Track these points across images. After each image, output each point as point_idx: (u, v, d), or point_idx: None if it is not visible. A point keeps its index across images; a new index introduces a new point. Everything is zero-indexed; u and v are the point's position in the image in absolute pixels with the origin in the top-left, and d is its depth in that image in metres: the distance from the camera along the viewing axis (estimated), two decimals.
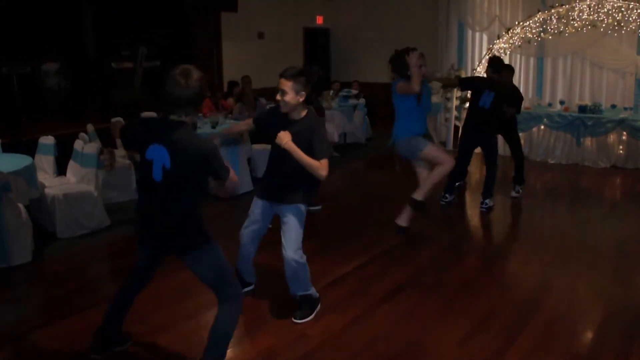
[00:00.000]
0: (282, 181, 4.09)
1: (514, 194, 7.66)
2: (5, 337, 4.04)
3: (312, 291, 4.32)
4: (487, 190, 7.09)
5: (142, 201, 3.38)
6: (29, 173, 5.56)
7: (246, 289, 4.60)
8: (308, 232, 6.23)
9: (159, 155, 3.11)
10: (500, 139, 7.71)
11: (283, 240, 4.10)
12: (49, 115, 9.50)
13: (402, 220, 6.01)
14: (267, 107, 5.37)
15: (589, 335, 4.07)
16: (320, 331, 4.07)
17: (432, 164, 5.85)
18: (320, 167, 3.87)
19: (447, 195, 7.30)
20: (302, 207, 4.14)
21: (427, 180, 5.89)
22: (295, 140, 3.88)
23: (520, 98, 7.45)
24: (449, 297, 4.66)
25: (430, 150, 5.67)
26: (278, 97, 3.91)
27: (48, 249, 5.79)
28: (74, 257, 5.61)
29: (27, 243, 5.37)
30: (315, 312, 4.32)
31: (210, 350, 3.39)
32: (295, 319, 4.23)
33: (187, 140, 3.09)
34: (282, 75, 3.88)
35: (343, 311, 4.37)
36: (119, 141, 3.51)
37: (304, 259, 4.12)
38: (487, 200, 7.06)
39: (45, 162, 6.72)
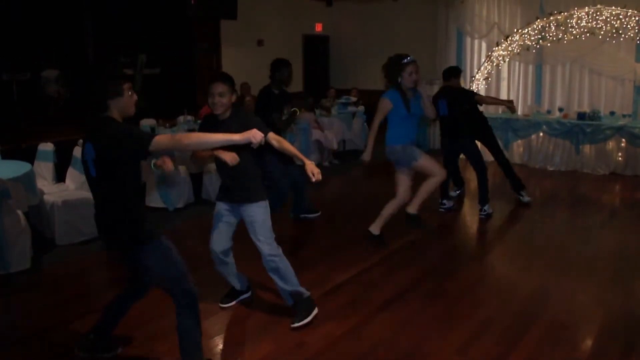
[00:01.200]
0: (238, 182, 4.16)
1: (523, 199, 7.68)
2: (3, 343, 4.03)
3: (302, 289, 4.32)
4: (483, 197, 7.10)
5: (94, 203, 3.45)
6: (28, 180, 5.56)
7: (242, 297, 4.62)
8: (306, 239, 6.26)
9: (89, 154, 3.23)
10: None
11: (253, 237, 4.17)
12: (48, 122, 9.50)
13: (375, 228, 5.98)
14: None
15: (589, 342, 4.06)
16: (319, 339, 4.06)
17: (422, 174, 5.83)
18: (273, 138, 3.89)
19: (444, 202, 7.31)
20: (264, 203, 4.20)
21: (418, 194, 5.90)
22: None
23: (469, 93, 7.39)
24: (449, 304, 4.65)
25: (423, 161, 5.66)
26: (216, 99, 3.98)
27: (47, 255, 5.78)
28: (73, 264, 5.61)
29: (25, 250, 5.36)
30: (312, 315, 4.30)
31: (185, 352, 3.44)
32: (292, 324, 4.22)
33: (106, 130, 3.19)
34: (215, 80, 4.01)
35: (342, 319, 4.36)
36: None
37: (279, 250, 4.19)
38: (485, 207, 7.06)
39: (44, 169, 6.72)
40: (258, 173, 4.24)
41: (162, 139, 3.13)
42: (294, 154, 3.98)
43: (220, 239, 4.28)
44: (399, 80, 5.50)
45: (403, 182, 5.80)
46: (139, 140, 3.12)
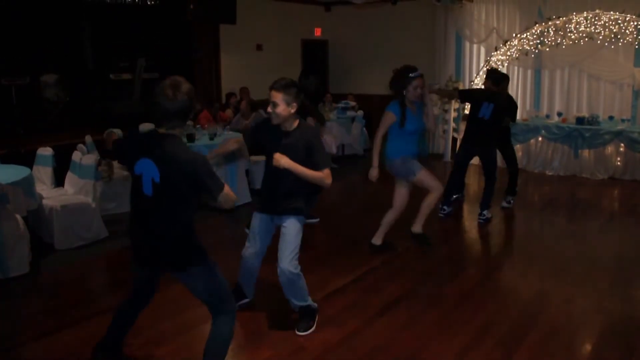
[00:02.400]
0: (280, 194, 4.09)
1: (504, 204, 7.72)
2: (1, 348, 4.02)
3: (311, 302, 4.30)
4: (486, 202, 7.11)
5: (133, 218, 3.31)
6: (27, 184, 5.56)
7: (242, 302, 4.58)
8: (306, 244, 6.23)
9: (147, 170, 3.08)
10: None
11: (279, 250, 4.11)
12: (47, 127, 9.50)
13: (377, 239, 5.99)
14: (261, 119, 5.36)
15: (588, 347, 4.06)
16: (318, 344, 4.05)
17: (420, 187, 5.84)
18: (324, 176, 3.94)
19: (445, 207, 7.31)
20: (302, 218, 4.16)
21: (421, 213, 5.96)
22: (290, 151, 3.90)
23: (515, 107, 7.48)
24: (448, 309, 4.65)
25: (422, 175, 5.66)
26: (269, 109, 3.92)
27: (46, 260, 5.77)
28: (72, 268, 5.60)
29: (24, 254, 5.36)
30: (316, 321, 4.31)
31: None
32: (298, 331, 4.21)
33: (175, 153, 3.04)
34: (272, 87, 3.90)
35: (341, 323, 4.36)
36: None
37: (298, 269, 4.10)
38: (484, 212, 7.07)
39: (43, 174, 6.72)
40: (304, 187, 4.09)
41: (228, 192, 3.14)
42: (301, 170, 3.95)
43: (255, 249, 4.27)
44: (404, 93, 5.47)
45: (401, 193, 5.81)
46: (213, 187, 3.08)
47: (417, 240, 6.08)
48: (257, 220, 4.27)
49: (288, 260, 4.04)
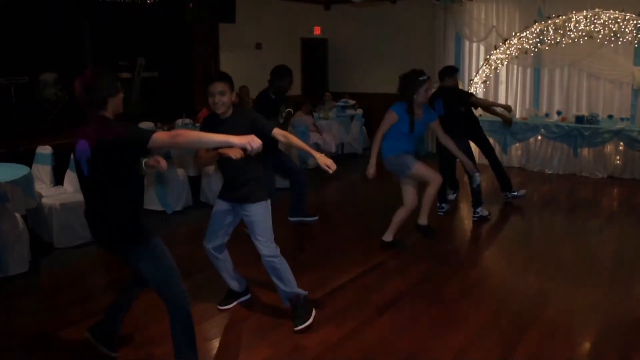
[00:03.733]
0: (239, 181, 4.17)
1: (517, 194, 7.77)
2: (1, 347, 4.02)
3: (299, 290, 4.32)
4: (476, 200, 7.13)
5: (85, 202, 3.42)
6: (26, 183, 5.56)
7: (242, 299, 4.62)
8: (305, 243, 6.26)
9: (83, 151, 3.20)
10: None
11: (253, 238, 4.20)
12: (46, 126, 9.49)
13: (388, 236, 6.00)
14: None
15: (587, 346, 4.07)
16: (317, 342, 4.05)
17: (420, 182, 5.86)
18: (278, 133, 4.01)
19: (443, 205, 7.32)
20: (264, 203, 4.21)
21: (423, 204, 5.98)
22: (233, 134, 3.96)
23: (464, 94, 7.40)
24: (447, 307, 4.65)
25: (418, 168, 5.68)
26: (216, 99, 4.01)
27: (45, 259, 5.78)
28: (71, 267, 5.61)
29: (23, 253, 5.36)
30: (312, 316, 4.29)
31: (178, 355, 3.46)
32: (295, 327, 4.21)
33: (104, 128, 3.17)
34: (216, 79, 4.04)
35: (340, 322, 4.36)
36: None
37: (277, 250, 4.22)
38: (478, 210, 7.10)
39: (42, 172, 6.71)
40: (260, 172, 4.25)
41: (161, 135, 3.11)
42: (302, 147, 4.03)
43: (214, 236, 4.33)
44: (415, 96, 5.55)
45: (408, 190, 5.84)
46: (138, 137, 3.11)
47: (423, 232, 6.17)
48: (218, 206, 4.34)
49: (266, 246, 4.17)
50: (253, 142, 3.23)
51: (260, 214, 4.18)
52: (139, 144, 3.10)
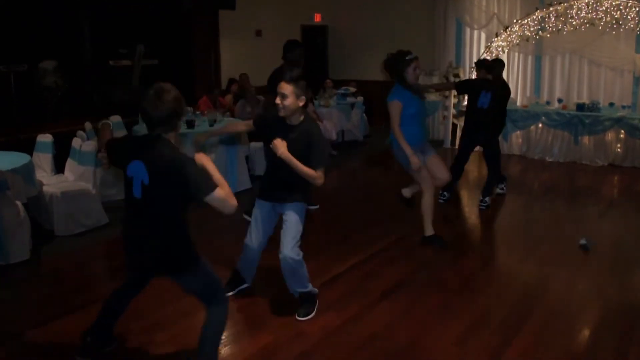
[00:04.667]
0: (282, 181, 4.10)
1: (498, 191, 7.74)
2: (2, 335, 4.03)
3: (311, 288, 4.33)
4: (488, 189, 7.15)
5: (126, 222, 3.31)
6: (27, 171, 5.56)
7: (242, 287, 4.60)
8: (306, 231, 6.24)
9: (137, 172, 3.07)
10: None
11: (282, 237, 4.12)
12: (46, 114, 9.48)
13: (428, 230, 5.81)
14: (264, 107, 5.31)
15: (587, 333, 4.08)
16: (318, 329, 4.07)
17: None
18: (317, 176, 3.95)
19: (445, 192, 7.31)
20: (303, 205, 4.18)
21: (425, 214, 5.73)
22: (292, 145, 3.90)
23: (509, 93, 7.37)
24: (447, 295, 4.67)
25: (419, 170, 5.62)
26: (278, 100, 3.91)
27: (46, 247, 5.79)
28: (72, 255, 5.61)
29: (25, 241, 5.37)
30: (316, 308, 4.33)
31: (201, 357, 3.39)
32: (298, 316, 4.24)
33: (163, 154, 3.04)
34: (282, 79, 3.90)
35: (341, 309, 4.38)
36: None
37: (300, 256, 4.12)
38: (486, 199, 7.09)
39: (43, 160, 6.71)
40: (308, 181, 4.08)
41: (221, 194, 3.02)
42: (296, 164, 3.94)
43: (258, 236, 4.27)
44: (405, 75, 5.42)
45: (420, 175, 5.63)
46: (199, 186, 3.00)
47: (431, 242, 5.78)
48: (259, 208, 4.28)
49: (290, 247, 4.06)
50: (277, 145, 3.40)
51: (297, 216, 4.12)
52: (198, 194, 3.01)
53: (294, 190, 4.11)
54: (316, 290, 4.38)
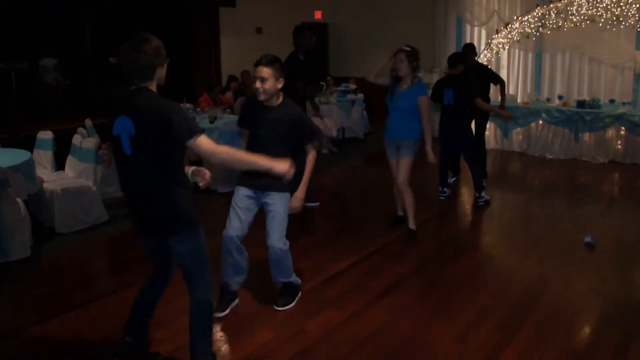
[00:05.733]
0: None
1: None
2: (3, 332, 4.04)
3: (294, 278, 4.35)
4: (477, 184, 7.14)
5: (122, 185, 3.22)
6: (27, 168, 5.56)
7: (233, 304, 4.32)
8: (306, 228, 6.26)
9: (123, 127, 3.00)
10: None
11: (268, 227, 4.10)
12: (47, 111, 9.47)
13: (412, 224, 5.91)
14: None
15: (587, 330, 4.08)
16: (319, 326, 4.07)
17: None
18: (313, 158, 4.09)
19: (445, 189, 7.31)
20: (287, 196, 4.13)
21: (408, 209, 5.81)
22: (271, 127, 3.95)
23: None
24: (448, 292, 4.67)
25: (391, 165, 5.79)
26: (257, 84, 3.90)
27: (47, 244, 5.79)
28: (73, 252, 5.62)
29: (25, 238, 5.37)
30: (296, 299, 4.35)
31: (194, 347, 3.32)
32: (277, 306, 4.27)
33: (147, 102, 2.99)
34: (259, 63, 3.88)
35: (342, 306, 4.38)
36: None
37: (287, 246, 4.13)
38: (482, 194, 7.10)
39: (43, 157, 6.72)
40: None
41: (205, 142, 2.99)
42: (305, 179, 4.07)
43: (239, 226, 4.08)
44: (392, 73, 5.64)
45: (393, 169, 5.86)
46: (184, 130, 2.93)
47: (408, 235, 5.84)
48: (239, 195, 4.14)
49: (278, 237, 4.07)
50: (289, 174, 3.24)
51: (282, 205, 4.09)
52: (181, 137, 2.94)
53: (281, 180, 4.00)
54: (299, 281, 4.40)
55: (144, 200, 3.13)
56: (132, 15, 10.49)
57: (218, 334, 3.99)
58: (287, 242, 4.15)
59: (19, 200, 5.37)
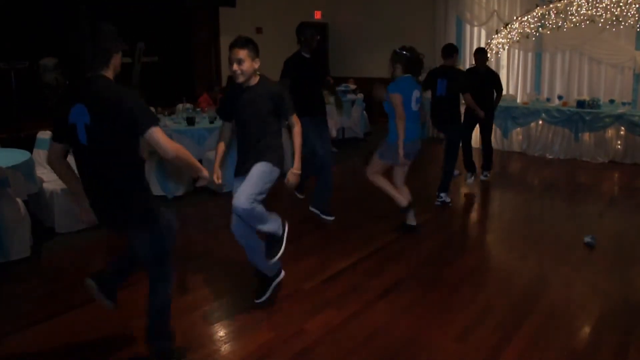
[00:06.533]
0: (253, 149, 4.04)
1: (482, 177, 8.01)
2: (3, 332, 4.04)
3: (274, 224, 4.14)
4: (444, 184, 7.06)
5: (80, 175, 3.17)
6: (27, 168, 5.56)
7: (277, 280, 4.38)
8: (306, 228, 6.26)
9: (78, 116, 2.95)
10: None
11: (237, 191, 3.96)
12: (47, 110, 9.48)
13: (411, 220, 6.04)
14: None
15: (587, 330, 4.08)
16: (319, 326, 4.07)
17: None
18: (298, 131, 4.15)
19: (441, 194, 7.21)
20: (269, 165, 4.01)
21: (390, 194, 5.97)
22: (251, 105, 3.98)
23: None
24: (448, 292, 4.67)
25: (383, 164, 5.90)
26: (235, 67, 3.92)
27: (46, 243, 5.79)
28: (73, 252, 5.62)
29: (25, 238, 5.37)
30: (283, 247, 4.20)
31: (152, 333, 3.39)
32: (268, 258, 4.16)
33: (103, 92, 2.93)
34: (234, 46, 3.93)
35: (342, 306, 4.38)
36: None
37: (254, 205, 3.89)
38: (442, 194, 7.05)
39: (43, 157, 6.69)
40: (279, 143, 4.11)
41: (161, 136, 2.93)
42: (296, 151, 4.09)
43: (237, 218, 4.03)
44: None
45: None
46: (139, 119, 2.89)
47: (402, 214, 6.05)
48: (237, 185, 4.11)
49: (244, 197, 3.84)
50: (201, 181, 3.28)
51: (259, 169, 3.96)
52: (136, 127, 2.90)
53: (267, 150, 4.02)
54: (280, 226, 4.21)
55: (100, 193, 3.11)
56: (132, 15, 10.50)
57: (218, 333, 3.99)
58: (255, 204, 3.90)
59: (18, 200, 5.37)
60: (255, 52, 3.96)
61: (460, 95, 6.94)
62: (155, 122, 2.96)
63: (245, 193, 3.86)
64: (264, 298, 4.32)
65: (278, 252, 4.18)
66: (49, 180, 6.26)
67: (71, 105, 2.99)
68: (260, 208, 3.97)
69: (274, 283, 4.36)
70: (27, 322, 4.17)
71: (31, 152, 6.30)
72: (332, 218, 6.40)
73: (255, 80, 4.05)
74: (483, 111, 7.44)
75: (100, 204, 3.16)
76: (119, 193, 3.07)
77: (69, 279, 4.97)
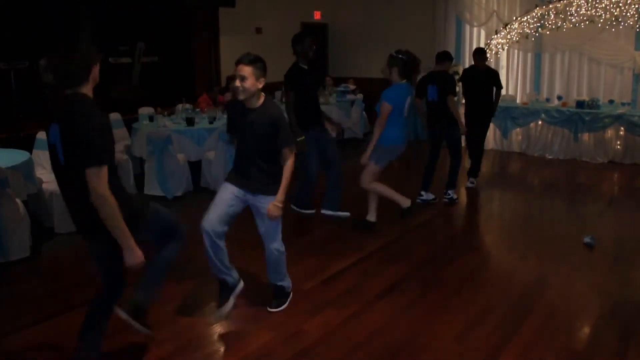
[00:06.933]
0: (255, 170, 4.00)
1: (468, 184, 7.91)
2: (3, 332, 4.04)
3: (287, 281, 4.38)
4: (451, 181, 7.17)
5: (62, 195, 3.15)
6: (26, 168, 5.56)
7: (237, 291, 4.16)
8: (305, 228, 6.26)
9: (55, 135, 2.91)
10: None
11: (264, 231, 4.08)
12: (46, 111, 9.49)
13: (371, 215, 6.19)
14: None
15: (587, 330, 4.08)
16: (318, 327, 4.07)
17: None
18: (291, 165, 3.98)
19: (423, 193, 7.20)
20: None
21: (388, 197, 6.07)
22: (252, 129, 3.92)
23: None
24: (447, 292, 4.67)
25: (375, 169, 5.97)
26: (237, 83, 3.85)
27: (46, 244, 5.80)
28: (72, 252, 5.61)
29: (25, 238, 5.37)
30: (288, 301, 4.38)
31: (142, 282, 3.38)
32: (270, 307, 4.28)
33: (73, 112, 2.86)
34: (240, 62, 3.83)
35: (341, 307, 4.38)
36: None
37: (284, 247, 4.19)
38: (450, 191, 7.15)
39: (43, 158, 6.70)
40: (277, 170, 4.01)
41: (101, 178, 2.78)
42: (283, 187, 3.97)
43: (217, 221, 3.97)
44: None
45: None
46: (86, 154, 2.77)
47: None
48: (225, 190, 4.07)
49: (277, 239, 4.12)
50: (136, 266, 3.00)
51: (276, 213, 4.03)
52: (85, 157, 2.77)
53: (269, 179, 4.00)
54: (290, 284, 4.41)
55: (76, 210, 3.07)
56: (132, 15, 10.50)
57: (218, 333, 3.99)
58: (283, 245, 4.18)
59: (18, 200, 5.37)
60: (261, 71, 3.84)
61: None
62: (99, 161, 2.80)
63: (277, 235, 4.13)
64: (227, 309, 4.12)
65: (284, 303, 4.38)
66: (49, 180, 6.26)
67: (49, 125, 2.98)
68: (285, 262, 4.29)
69: (235, 292, 4.19)
70: (27, 322, 4.17)
71: (31, 152, 6.30)
72: (347, 214, 6.49)
73: (259, 101, 3.95)
74: (482, 111, 7.44)
75: (85, 226, 3.12)
76: (93, 211, 2.91)
77: (69, 279, 4.97)
